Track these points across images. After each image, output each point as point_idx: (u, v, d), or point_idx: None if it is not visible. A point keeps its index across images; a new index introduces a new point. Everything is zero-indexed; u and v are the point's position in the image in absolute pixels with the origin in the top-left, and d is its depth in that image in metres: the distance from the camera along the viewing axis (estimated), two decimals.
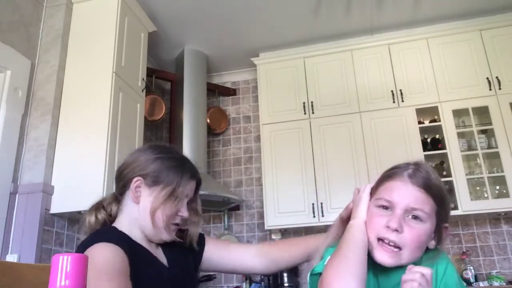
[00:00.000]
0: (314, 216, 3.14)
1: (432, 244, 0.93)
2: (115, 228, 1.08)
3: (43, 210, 2.24)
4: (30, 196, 2.25)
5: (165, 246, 1.16)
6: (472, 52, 3.25)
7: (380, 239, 0.89)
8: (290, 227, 3.25)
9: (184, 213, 1.11)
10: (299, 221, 3.17)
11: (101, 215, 1.12)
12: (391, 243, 0.88)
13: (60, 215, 2.36)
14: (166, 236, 1.09)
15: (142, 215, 1.08)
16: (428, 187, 0.90)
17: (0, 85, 2.27)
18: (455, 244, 3.15)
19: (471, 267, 2.95)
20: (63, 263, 0.54)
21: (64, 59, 2.60)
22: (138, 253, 1.02)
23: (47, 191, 2.30)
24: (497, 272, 2.94)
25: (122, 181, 1.13)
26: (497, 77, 3.12)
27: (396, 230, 0.87)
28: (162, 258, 1.12)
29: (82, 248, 0.97)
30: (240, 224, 3.63)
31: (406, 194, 0.89)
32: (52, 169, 2.38)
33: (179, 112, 3.48)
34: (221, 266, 1.26)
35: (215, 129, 3.84)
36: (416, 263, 0.93)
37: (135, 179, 1.09)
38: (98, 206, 1.14)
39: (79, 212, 2.33)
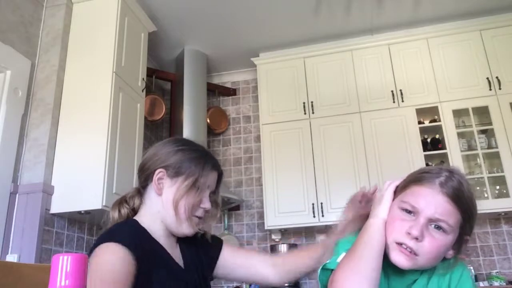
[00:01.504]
0: (314, 216, 3.14)
1: (449, 254, 0.90)
2: (134, 223, 1.08)
3: (43, 210, 2.24)
4: (30, 196, 2.25)
5: (182, 245, 1.16)
6: (472, 52, 3.25)
7: (398, 243, 0.87)
8: (290, 227, 3.25)
9: (207, 204, 1.12)
10: (299, 221, 3.17)
11: (124, 210, 1.12)
12: (408, 249, 0.85)
13: (60, 215, 2.36)
14: (188, 229, 1.10)
15: (165, 206, 1.08)
16: (458, 199, 0.85)
17: (0, 85, 2.27)
18: None
19: (471, 267, 2.95)
20: (63, 263, 0.54)
21: (64, 59, 2.60)
22: (153, 252, 1.01)
23: (47, 191, 2.30)
24: (497, 272, 2.94)
25: (144, 174, 1.13)
26: (497, 77, 3.12)
27: (416, 238, 0.84)
28: (179, 258, 1.12)
29: (95, 245, 0.97)
30: (240, 224, 3.63)
31: (433, 203, 0.85)
32: (52, 169, 2.38)
33: (179, 112, 3.48)
34: (236, 274, 1.25)
35: (215, 129, 3.84)
36: (431, 270, 0.92)
37: (157, 171, 1.10)
38: (121, 201, 1.15)
39: (79, 212, 2.34)
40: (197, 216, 1.12)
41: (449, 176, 0.87)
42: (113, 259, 0.93)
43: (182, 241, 1.17)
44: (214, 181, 1.16)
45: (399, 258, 0.86)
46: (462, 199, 0.86)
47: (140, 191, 1.15)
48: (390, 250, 0.87)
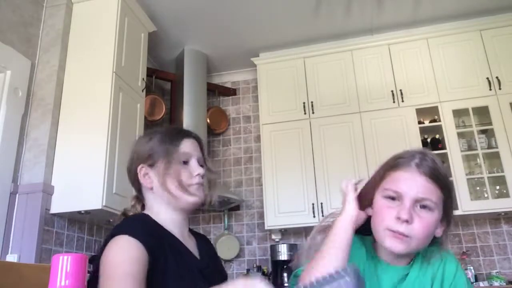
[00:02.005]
0: (314, 216, 3.13)
1: (438, 232, 0.93)
2: (145, 217, 1.08)
3: (43, 210, 2.24)
4: (30, 196, 2.25)
5: (197, 238, 1.18)
6: (472, 52, 3.24)
7: (390, 230, 0.89)
8: (290, 227, 3.25)
9: (197, 170, 1.11)
10: (299, 221, 3.17)
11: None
12: (400, 234, 0.87)
13: (60, 215, 2.36)
14: (192, 198, 1.10)
15: (160, 193, 1.09)
16: (436, 177, 0.90)
17: (0, 85, 2.27)
18: (455, 244, 3.15)
19: (471, 267, 2.95)
20: (63, 263, 0.54)
21: (64, 59, 2.60)
22: (166, 242, 1.02)
23: (47, 191, 2.30)
24: (497, 272, 2.94)
25: (131, 177, 1.15)
26: (497, 77, 3.12)
27: (406, 221, 0.87)
28: (194, 249, 1.12)
29: (109, 237, 0.97)
30: (240, 224, 3.63)
31: (414, 184, 0.89)
32: (52, 169, 2.38)
33: (179, 112, 3.48)
34: None
35: (215, 129, 3.83)
36: (425, 258, 0.93)
37: (139, 169, 1.11)
38: (124, 214, 1.16)
39: (79, 212, 2.34)
40: (196, 184, 1.11)
41: (423, 157, 0.92)
42: (126, 247, 0.93)
43: (198, 237, 1.19)
44: (192, 148, 1.14)
45: (393, 243, 0.88)
46: (439, 176, 0.90)
47: (138, 197, 1.17)
48: (384, 237, 0.89)
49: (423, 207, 0.88)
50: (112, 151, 2.41)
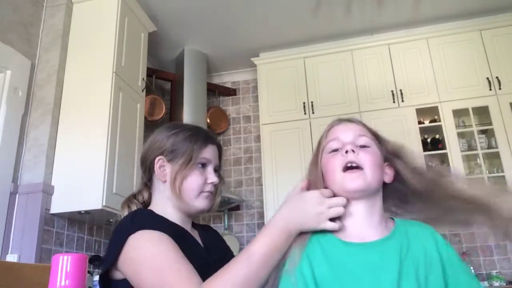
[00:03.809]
0: None
1: (388, 175, 0.96)
2: (150, 211, 1.09)
3: (43, 210, 2.24)
4: (30, 196, 2.25)
5: (200, 230, 1.19)
6: (472, 52, 3.24)
7: (344, 170, 0.91)
8: None
9: (214, 178, 1.13)
10: None
11: (134, 206, 1.14)
12: (353, 165, 0.90)
13: (60, 215, 2.36)
14: (200, 205, 1.11)
15: (173, 191, 1.09)
16: (363, 124, 1.01)
17: (0, 85, 2.27)
18: (455, 244, 3.15)
19: (471, 267, 2.95)
20: (63, 263, 0.54)
21: (64, 59, 2.60)
22: (179, 234, 1.03)
23: (47, 191, 2.30)
24: (497, 272, 2.94)
25: (146, 165, 1.15)
26: (497, 77, 3.12)
27: (352, 151, 0.92)
28: (199, 240, 1.14)
29: (123, 237, 0.96)
30: (240, 224, 3.63)
31: (349, 128, 0.98)
32: (52, 169, 2.38)
33: (179, 112, 3.48)
34: None
35: (215, 129, 3.83)
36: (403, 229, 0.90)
37: (156, 159, 1.12)
38: (130, 198, 1.17)
39: (79, 212, 2.33)
40: (207, 192, 1.13)
41: (351, 118, 1.04)
42: (153, 237, 0.95)
43: (199, 227, 1.20)
44: (213, 155, 1.16)
45: (351, 179, 0.90)
46: (366, 125, 1.01)
47: (147, 184, 1.17)
48: (343, 181, 0.91)
49: (362, 146, 0.94)
50: (112, 151, 2.41)
